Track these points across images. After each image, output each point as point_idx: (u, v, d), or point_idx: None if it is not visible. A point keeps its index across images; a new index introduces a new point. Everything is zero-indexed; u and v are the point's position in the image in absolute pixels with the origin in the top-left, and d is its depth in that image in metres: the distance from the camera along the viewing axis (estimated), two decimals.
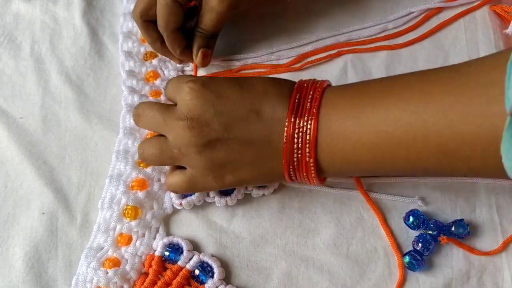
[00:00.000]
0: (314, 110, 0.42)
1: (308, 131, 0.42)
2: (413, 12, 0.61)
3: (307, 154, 0.42)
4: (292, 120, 0.42)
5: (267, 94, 0.44)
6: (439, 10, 0.61)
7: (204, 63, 0.57)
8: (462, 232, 0.47)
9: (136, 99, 0.56)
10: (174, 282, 0.46)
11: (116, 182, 0.50)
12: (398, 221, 0.49)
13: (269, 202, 0.51)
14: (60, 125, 0.57)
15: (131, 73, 0.58)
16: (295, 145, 0.42)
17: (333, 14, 0.62)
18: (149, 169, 0.51)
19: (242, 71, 0.59)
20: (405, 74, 0.42)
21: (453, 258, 0.47)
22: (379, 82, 0.43)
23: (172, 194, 0.50)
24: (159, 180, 0.52)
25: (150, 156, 0.47)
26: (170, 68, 0.60)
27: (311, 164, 0.43)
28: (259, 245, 0.49)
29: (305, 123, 0.42)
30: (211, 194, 0.50)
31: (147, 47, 0.61)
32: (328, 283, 0.47)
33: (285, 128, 0.42)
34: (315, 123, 0.42)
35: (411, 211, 0.48)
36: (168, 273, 0.46)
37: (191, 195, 0.50)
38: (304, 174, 0.44)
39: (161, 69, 0.60)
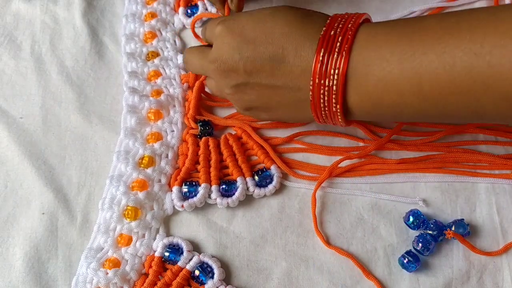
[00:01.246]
0: (343, 53, 0.40)
1: (335, 81, 0.41)
2: (415, 12, 0.61)
3: (333, 103, 0.42)
4: (318, 68, 0.41)
5: (291, 36, 0.43)
6: (441, 9, 0.61)
7: (239, 8, 0.59)
8: (462, 232, 0.47)
9: (136, 100, 0.56)
10: (174, 283, 0.46)
11: (116, 182, 0.50)
12: (398, 221, 0.49)
13: (269, 202, 0.51)
14: (60, 125, 0.57)
15: (133, 74, 0.58)
16: (321, 94, 0.42)
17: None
18: (149, 170, 0.51)
19: None
20: (472, 10, 0.38)
21: (453, 258, 0.47)
22: (438, 20, 0.39)
23: (173, 195, 0.50)
24: (159, 181, 0.52)
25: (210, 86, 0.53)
26: (171, 66, 0.60)
27: (338, 113, 0.42)
28: (259, 245, 0.49)
29: (333, 71, 0.41)
30: (213, 196, 0.50)
31: (149, 48, 0.61)
32: (328, 283, 0.47)
33: (311, 77, 0.42)
34: (343, 70, 0.40)
35: (411, 211, 0.48)
36: (168, 273, 0.46)
37: (192, 197, 0.50)
38: (332, 120, 0.44)
39: (163, 68, 0.60)
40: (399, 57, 0.39)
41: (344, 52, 0.40)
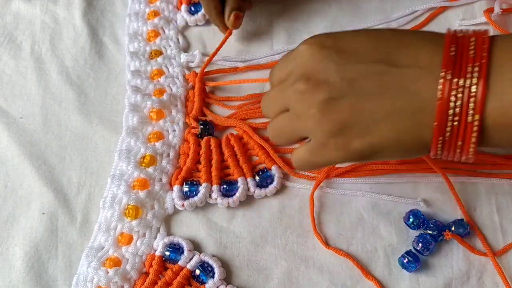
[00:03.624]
0: (482, 64, 0.33)
1: (473, 93, 0.33)
2: (417, 11, 0.61)
3: (471, 102, 0.33)
4: (449, 77, 0.33)
5: (403, 42, 0.36)
6: (442, 9, 0.61)
7: (236, 25, 0.57)
8: (462, 232, 0.47)
9: (139, 98, 0.56)
10: (175, 282, 0.46)
11: (117, 181, 0.51)
12: (398, 221, 0.49)
13: (270, 202, 0.51)
14: (60, 125, 0.57)
15: (136, 73, 0.58)
16: (451, 109, 0.33)
17: (333, 14, 0.62)
18: (150, 169, 0.51)
19: (247, 71, 0.59)
20: None
21: (453, 258, 0.47)
22: None
23: (174, 195, 0.50)
24: (160, 180, 0.52)
25: (275, 132, 0.42)
26: (174, 65, 0.60)
27: (476, 122, 0.33)
28: (259, 245, 0.49)
29: (467, 83, 0.33)
30: (213, 195, 0.50)
31: (152, 46, 0.61)
32: (328, 283, 0.47)
33: (439, 84, 0.34)
34: (483, 86, 0.33)
35: (411, 211, 0.48)
36: (169, 273, 0.46)
37: (193, 196, 0.50)
38: (459, 143, 0.34)
39: (166, 66, 0.60)
40: None
41: (484, 47, 0.33)
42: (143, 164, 0.52)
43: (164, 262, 0.47)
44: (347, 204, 0.50)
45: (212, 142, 0.53)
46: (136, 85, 0.57)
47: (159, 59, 0.60)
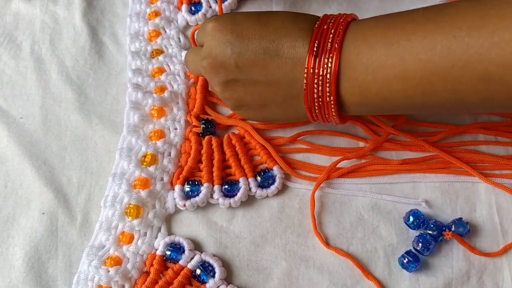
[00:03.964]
0: (336, 45, 0.41)
1: (329, 69, 0.41)
2: None
3: (327, 93, 0.42)
4: (312, 59, 0.42)
5: (285, 29, 0.44)
6: None
7: None
8: (462, 231, 0.47)
9: (140, 96, 0.56)
10: (175, 281, 0.46)
11: (119, 180, 0.50)
12: (398, 221, 0.49)
13: (270, 202, 0.51)
14: (60, 125, 0.57)
15: (137, 71, 0.58)
16: (315, 84, 0.42)
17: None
18: (152, 168, 0.51)
19: None
20: (457, 1, 0.40)
21: (453, 258, 0.47)
22: (423, 10, 0.41)
23: (176, 194, 0.50)
24: (161, 179, 0.52)
25: (194, 69, 0.53)
26: (175, 63, 0.60)
27: (332, 104, 0.43)
28: (259, 245, 0.49)
29: (326, 60, 0.41)
30: (215, 196, 0.50)
31: (153, 46, 0.62)
32: (328, 283, 0.47)
33: (305, 67, 0.42)
34: (336, 60, 0.41)
35: (411, 211, 0.48)
36: (170, 272, 0.46)
37: (194, 196, 0.50)
38: (326, 113, 0.44)
39: (167, 64, 0.60)
40: (385, 44, 0.40)
41: (336, 44, 0.41)
42: (144, 163, 0.52)
43: (165, 262, 0.48)
44: (347, 204, 0.50)
45: (214, 141, 0.53)
46: (137, 82, 0.57)
47: (160, 58, 0.60)
